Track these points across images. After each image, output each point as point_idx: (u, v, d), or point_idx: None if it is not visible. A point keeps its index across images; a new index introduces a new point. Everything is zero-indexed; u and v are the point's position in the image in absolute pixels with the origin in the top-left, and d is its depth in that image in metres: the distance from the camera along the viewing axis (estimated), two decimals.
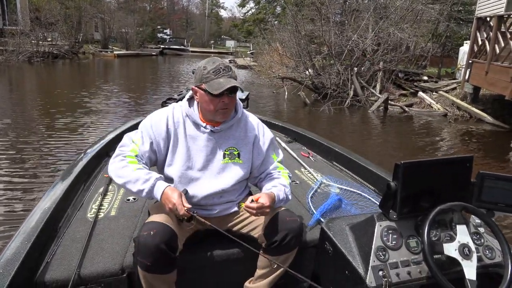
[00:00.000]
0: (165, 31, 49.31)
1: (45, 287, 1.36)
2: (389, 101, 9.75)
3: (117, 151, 1.50)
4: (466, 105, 9.05)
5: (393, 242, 1.31)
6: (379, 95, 10.23)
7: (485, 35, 8.71)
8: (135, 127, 3.37)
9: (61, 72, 17.60)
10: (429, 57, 14.15)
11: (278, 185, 1.54)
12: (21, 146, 5.28)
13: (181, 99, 3.45)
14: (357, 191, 2.26)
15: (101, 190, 2.14)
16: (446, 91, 10.29)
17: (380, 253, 1.28)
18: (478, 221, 1.39)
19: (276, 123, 3.66)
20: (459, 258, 1.21)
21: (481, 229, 1.39)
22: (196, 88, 1.47)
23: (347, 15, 12.44)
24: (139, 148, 1.49)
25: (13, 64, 17.23)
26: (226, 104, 1.44)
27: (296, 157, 2.92)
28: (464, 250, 1.22)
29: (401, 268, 1.28)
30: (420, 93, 10.45)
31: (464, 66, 10.05)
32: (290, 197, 1.58)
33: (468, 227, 1.30)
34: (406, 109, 9.59)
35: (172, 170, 1.52)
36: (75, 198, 2.04)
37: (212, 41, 57.44)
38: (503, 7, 9.85)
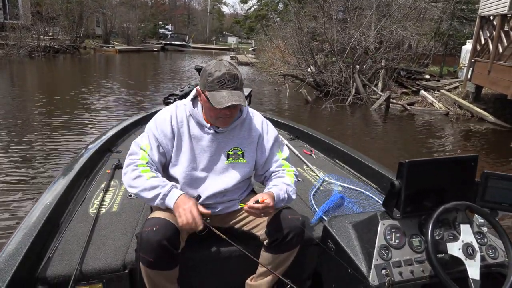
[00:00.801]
0: (166, 26, 49.31)
1: (46, 282, 1.36)
2: (391, 100, 9.74)
3: (127, 160, 1.48)
4: (468, 104, 9.03)
5: (396, 241, 1.31)
6: (381, 93, 10.21)
7: (488, 34, 8.68)
8: (137, 123, 3.40)
9: (62, 66, 17.57)
10: (431, 56, 14.13)
11: (280, 184, 1.53)
12: (21, 141, 5.27)
13: (183, 95, 3.45)
14: (360, 189, 2.26)
15: (103, 185, 2.14)
16: (448, 90, 10.25)
17: (383, 252, 1.28)
18: (481, 220, 1.38)
19: (279, 120, 3.66)
20: (462, 257, 1.21)
21: (484, 229, 1.39)
22: (200, 90, 1.44)
23: (350, 13, 12.42)
24: (149, 154, 1.47)
25: (14, 59, 17.23)
26: (228, 115, 1.42)
27: (299, 154, 2.92)
28: (468, 250, 1.22)
29: (404, 267, 1.27)
30: (422, 92, 10.42)
31: (466, 65, 10.02)
32: (294, 196, 1.55)
33: (471, 226, 1.29)
34: (408, 107, 9.56)
35: (177, 170, 1.51)
36: (76, 193, 2.04)
37: (214, 37, 57.37)
38: (506, 6, 9.79)
